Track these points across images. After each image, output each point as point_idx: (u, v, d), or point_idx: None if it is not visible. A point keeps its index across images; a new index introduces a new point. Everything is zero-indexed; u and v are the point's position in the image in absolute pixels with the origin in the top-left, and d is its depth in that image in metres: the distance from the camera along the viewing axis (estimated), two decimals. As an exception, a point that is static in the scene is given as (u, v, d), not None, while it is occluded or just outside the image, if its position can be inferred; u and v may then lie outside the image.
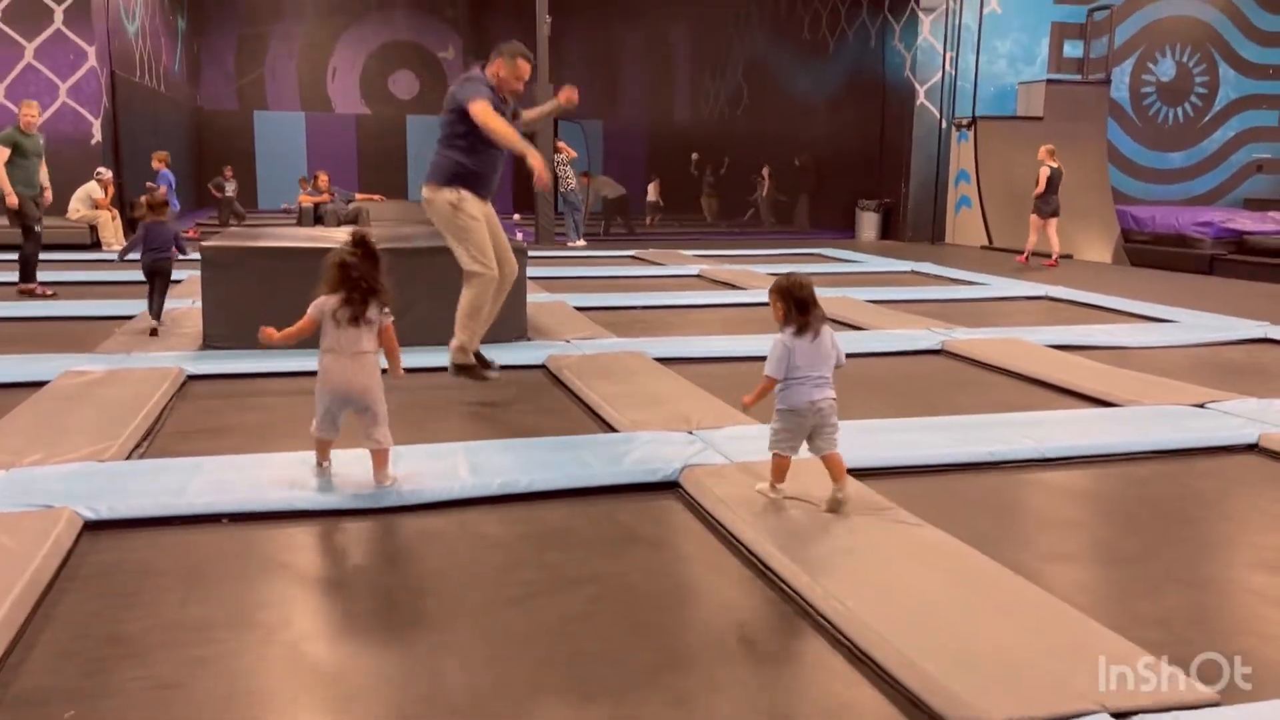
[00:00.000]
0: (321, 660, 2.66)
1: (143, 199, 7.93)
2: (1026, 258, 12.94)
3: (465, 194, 5.22)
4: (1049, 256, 12.71)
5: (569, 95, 5.45)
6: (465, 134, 5.17)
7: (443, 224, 5.32)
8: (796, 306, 3.60)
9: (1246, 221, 15.41)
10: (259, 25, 23.49)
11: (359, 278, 3.70)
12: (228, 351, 6.35)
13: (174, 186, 12.48)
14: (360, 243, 3.79)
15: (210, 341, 6.50)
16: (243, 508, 3.64)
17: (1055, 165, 12.55)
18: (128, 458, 4.26)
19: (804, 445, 3.69)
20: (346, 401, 3.81)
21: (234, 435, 4.77)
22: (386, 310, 3.85)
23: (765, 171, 19.85)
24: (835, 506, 3.61)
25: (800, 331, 3.58)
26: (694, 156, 22.24)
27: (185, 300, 8.22)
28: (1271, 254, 13.93)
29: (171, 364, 5.89)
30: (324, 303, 3.76)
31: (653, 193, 20.32)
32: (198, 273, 6.81)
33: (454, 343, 5.41)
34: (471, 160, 5.24)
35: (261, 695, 2.48)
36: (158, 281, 7.10)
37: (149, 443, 4.59)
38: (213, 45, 23.46)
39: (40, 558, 3.07)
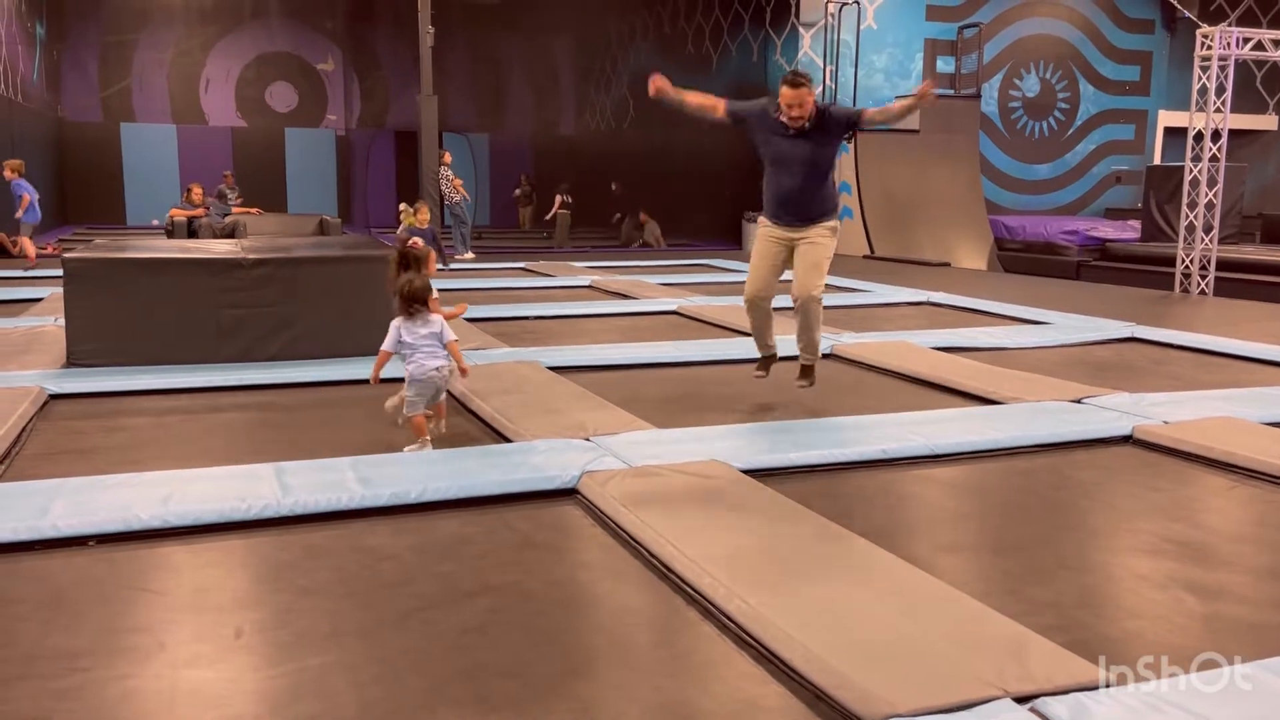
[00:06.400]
0: (200, 685, 2.49)
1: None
2: None
3: (761, 218, 5.36)
4: None
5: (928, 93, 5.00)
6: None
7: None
8: (404, 300, 4.60)
9: (1108, 230, 16.22)
10: (124, 34, 22.46)
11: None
12: (94, 369, 5.99)
13: (35, 198, 11.68)
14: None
15: (75, 359, 6.12)
16: (110, 528, 3.41)
17: None
18: (-18, 482, 3.95)
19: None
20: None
21: (100, 456, 4.48)
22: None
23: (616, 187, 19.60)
24: (435, 434, 4.67)
25: (409, 318, 4.56)
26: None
27: (47, 318, 7.75)
28: (1131, 260, 14.67)
29: (31, 383, 5.52)
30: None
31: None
32: (60, 289, 6.42)
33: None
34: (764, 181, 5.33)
35: (133, 726, 2.30)
36: None
37: (7, 465, 4.28)
38: (74, 54, 22.33)
39: (-121, 590, 2.81)
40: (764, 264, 5.32)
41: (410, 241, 4.98)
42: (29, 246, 11.47)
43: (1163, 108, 19.38)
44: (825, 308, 9.80)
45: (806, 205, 5.11)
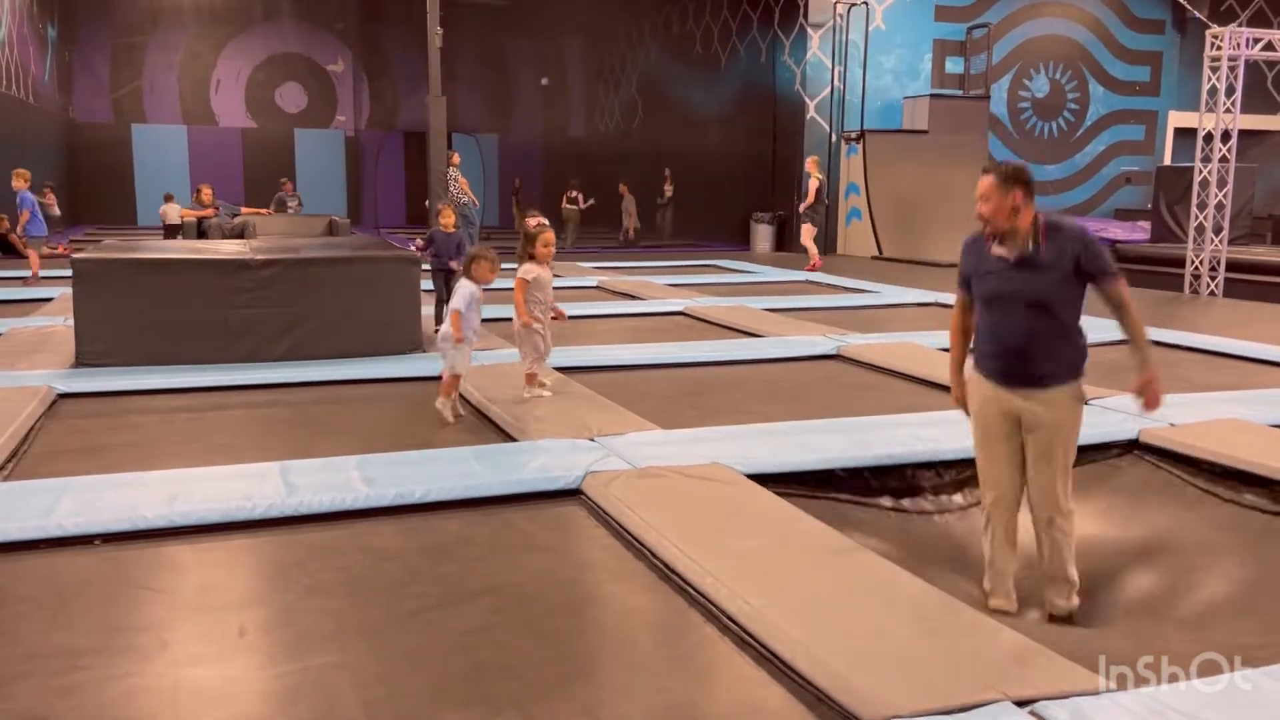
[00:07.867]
0: (203, 684, 2.49)
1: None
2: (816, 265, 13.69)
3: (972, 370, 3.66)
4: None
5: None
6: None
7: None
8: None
9: (1118, 231, 16.16)
10: (134, 35, 22.57)
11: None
12: (102, 369, 6.02)
13: (35, 209, 11.39)
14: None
15: (84, 359, 6.15)
16: (116, 527, 3.42)
17: (822, 176, 14.12)
18: (-11, 481, 3.97)
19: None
20: None
21: (108, 454, 4.50)
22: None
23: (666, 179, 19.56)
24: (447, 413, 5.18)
25: None
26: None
27: (57, 318, 7.79)
28: (1141, 261, 14.60)
29: (40, 383, 5.55)
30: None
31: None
32: (69, 289, 6.45)
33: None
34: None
35: (136, 725, 2.31)
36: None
37: (14, 464, 4.30)
38: (85, 55, 22.46)
39: (-114, 588, 2.82)
40: (995, 448, 3.52)
41: (529, 218, 5.72)
42: (34, 259, 11.23)
43: (1173, 108, 19.29)
44: (831, 309, 9.75)
45: (1031, 360, 3.44)
